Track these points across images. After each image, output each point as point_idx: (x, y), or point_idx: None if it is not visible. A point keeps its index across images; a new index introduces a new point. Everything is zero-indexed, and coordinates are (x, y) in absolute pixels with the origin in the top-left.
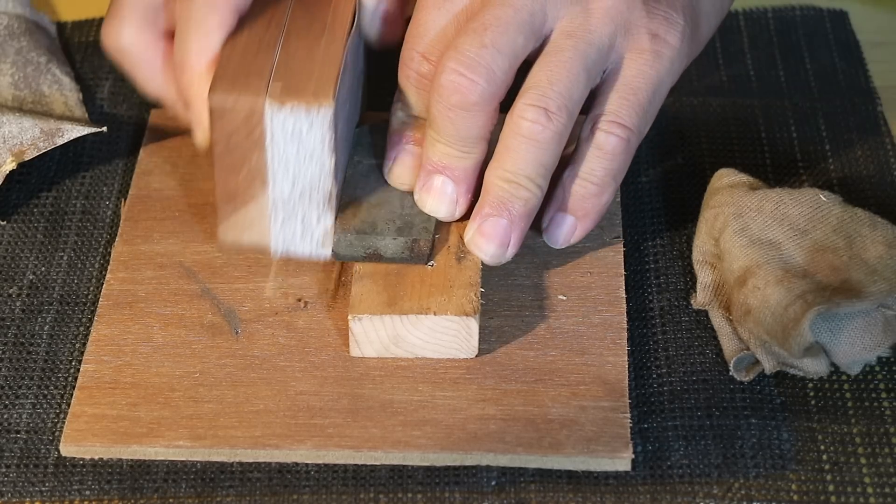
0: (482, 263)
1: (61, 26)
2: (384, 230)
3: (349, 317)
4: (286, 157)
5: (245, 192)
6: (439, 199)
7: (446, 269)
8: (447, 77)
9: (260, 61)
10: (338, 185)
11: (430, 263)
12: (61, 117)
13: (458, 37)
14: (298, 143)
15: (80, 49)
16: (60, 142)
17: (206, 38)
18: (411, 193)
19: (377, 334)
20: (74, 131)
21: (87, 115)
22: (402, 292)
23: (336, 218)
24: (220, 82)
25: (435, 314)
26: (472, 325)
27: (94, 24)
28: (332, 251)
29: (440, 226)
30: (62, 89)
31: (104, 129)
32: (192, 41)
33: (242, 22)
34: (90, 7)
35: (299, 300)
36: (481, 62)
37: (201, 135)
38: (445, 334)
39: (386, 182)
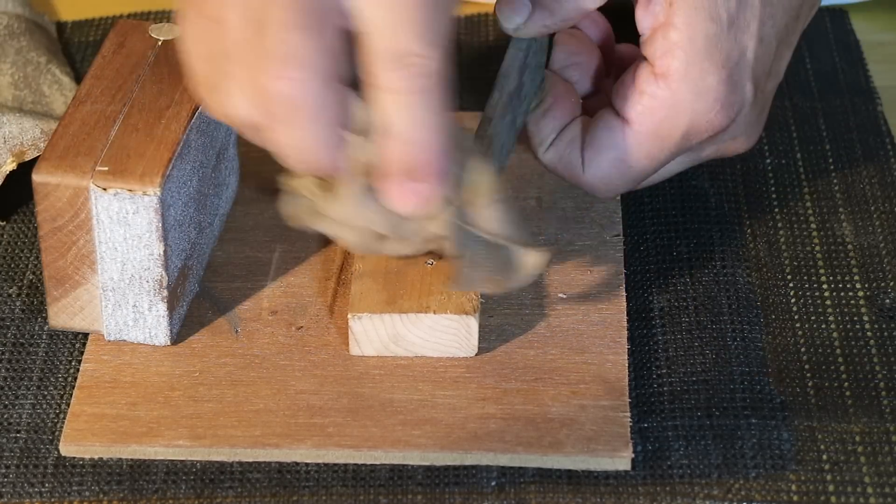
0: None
1: (61, 26)
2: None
3: (349, 315)
4: (113, 240)
5: (73, 276)
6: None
7: (447, 269)
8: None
9: (93, 138)
10: (176, 270)
11: (429, 262)
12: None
13: None
14: (126, 227)
15: (80, 49)
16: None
17: None
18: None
19: (377, 333)
20: None
21: None
22: (402, 291)
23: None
24: (45, 162)
25: (435, 313)
26: (472, 323)
27: (94, 24)
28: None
29: None
30: (62, 89)
31: None
32: None
33: (88, 94)
34: (90, 7)
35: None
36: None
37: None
38: (445, 333)
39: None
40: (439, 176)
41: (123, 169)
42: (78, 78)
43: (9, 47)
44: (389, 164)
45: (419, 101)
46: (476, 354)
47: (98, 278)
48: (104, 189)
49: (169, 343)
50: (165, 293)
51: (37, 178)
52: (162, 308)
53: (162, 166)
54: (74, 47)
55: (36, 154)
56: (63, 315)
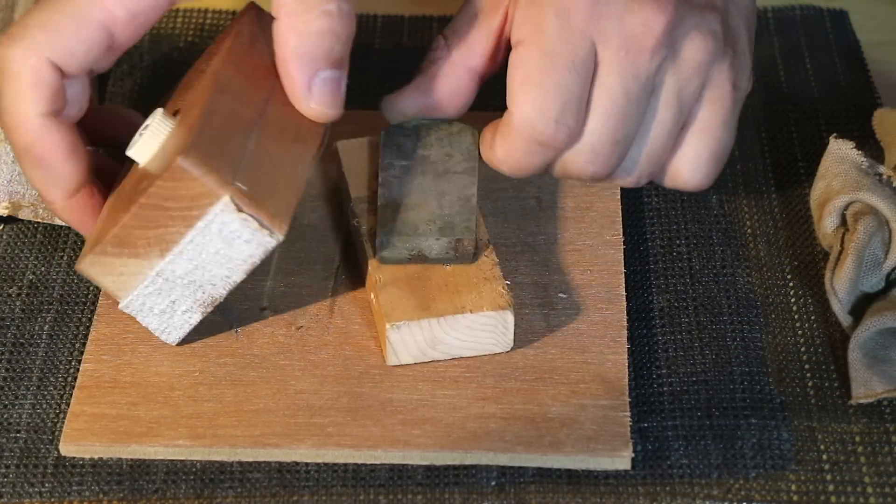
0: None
1: None
2: (426, 231)
3: (387, 326)
4: (205, 248)
5: (139, 248)
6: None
7: (464, 268)
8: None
9: (233, 145)
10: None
11: (446, 265)
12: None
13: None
14: (226, 246)
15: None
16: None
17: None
18: (448, 193)
19: (414, 339)
20: None
21: None
22: (431, 295)
23: (377, 221)
24: (195, 150)
25: (472, 312)
26: (509, 318)
27: None
28: (378, 255)
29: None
30: None
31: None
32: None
33: (229, 83)
34: None
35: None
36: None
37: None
38: (482, 331)
39: (420, 183)
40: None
41: (259, 197)
42: (106, 87)
43: None
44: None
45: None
46: (476, 356)
47: (160, 264)
48: (238, 209)
49: (174, 344)
50: (209, 309)
51: (183, 162)
52: (196, 318)
53: (290, 211)
54: None
55: (30, 217)
56: (97, 268)
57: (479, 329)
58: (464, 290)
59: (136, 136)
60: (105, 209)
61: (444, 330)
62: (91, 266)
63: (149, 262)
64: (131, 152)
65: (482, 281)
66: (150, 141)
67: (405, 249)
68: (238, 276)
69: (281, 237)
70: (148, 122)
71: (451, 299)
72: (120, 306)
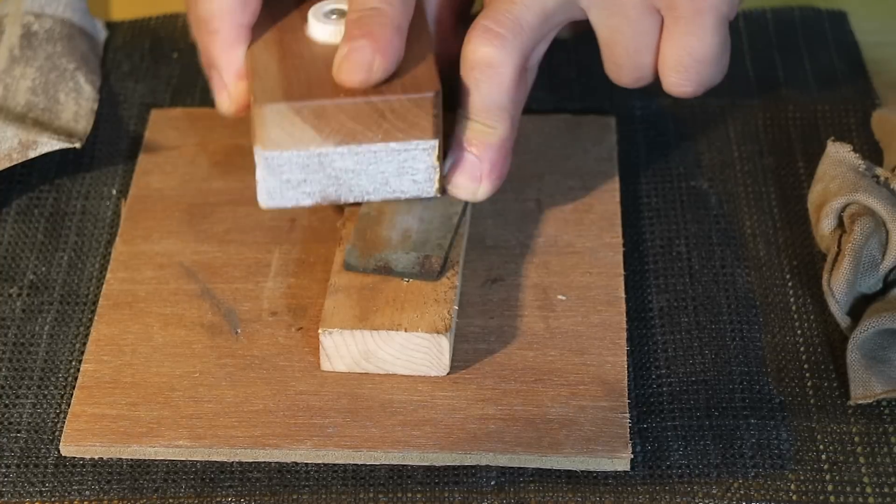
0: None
1: (116, 26)
2: (398, 244)
3: (320, 331)
4: (378, 162)
5: (327, 127)
6: (462, 176)
7: (422, 286)
8: (474, 32)
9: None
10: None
11: (406, 280)
12: (57, 129)
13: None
14: (396, 174)
15: (124, 49)
16: (33, 154)
17: None
18: (433, 210)
19: (348, 349)
20: (48, 145)
21: (89, 127)
22: (375, 307)
23: (354, 229)
24: (438, 86)
25: (406, 331)
26: (444, 342)
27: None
28: (345, 261)
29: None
30: (79, 98)
31: (77, 145)
32: None
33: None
34: (93, 7)
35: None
36: (508, 16)
37: (225, 101)
38: (417, 351)
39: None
40: (386, 46)
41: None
42: (106, 87)
43: (41, 51)
44: (347, 23)
45: None
46: (476, 357)
47: (330, 149)
48: (437, 157)
49: (264, 207)
50: (322, 203)
51: (431, 96)
52: (307, 202)
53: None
54: (122, 51)
55: (7, 165)
56: (275, 117)
57: (413, 349)
58: (408, 308)
59: (319, 13)
60: (266, 53)
61: (378, 344)
62: (274, 113)
63: (322, 141)
64: (319, 32)
65: (431, 301)
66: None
67: (372, 260)
68: (377, 197)
69: (436, 195)
70: (337, 5)
71: (392, 315)
72: (256, 149)
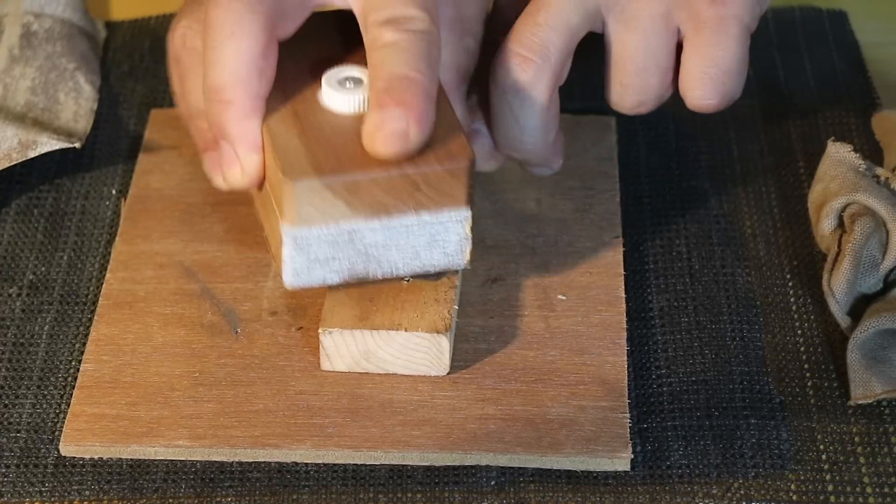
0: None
1: (115, 25)
2: None
3: (320, 331)
4: (408, 235)
5: (359, 201)
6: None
7: (422, 286)
8: (504, 57)
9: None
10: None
11: (405, 280)
12: (57, 129)
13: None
14: (427, 247)
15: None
16: (32, 154)
17: (245, 48)
18: None
19: (348, 349)
20: (48, 145)
21: (89, 127)
22: (375, 307)
23: None
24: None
25: (406, 330)
26: (444, 342)
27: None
28: None
29: None
30: (79, 98)
31: (77, 144)
32: (228, 54)
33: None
34: (93, 7)
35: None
36: (535, 39)
37: (237, 175)
38: (417, 351)
39: None
40: (421, 114)
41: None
42: (106, 87)
43: (41, 51)
44: (376, 92)
45: (411, 47)
46: (476, 357)
47: (360, 223)
48: (469, 229)
49: (288, 287)
50: (350, 280)
51: (467, 164)
52: (333, 279)
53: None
54: (122, 51)
55: (7, 165)
56: (307, 194)
57: (413, 349)
58: (409, 308)
59: (333, 81)
60: (283, 125)
61: (378, 343)
62: (305, 189)
63: (353, 216)
64: (337, 102)
65: (431, 301)
66: (361, 94)
67: None
68: (406, 271)
69: (465, 267)
70: (351, 73)
71: (392, 315)
72: (283, 227)
